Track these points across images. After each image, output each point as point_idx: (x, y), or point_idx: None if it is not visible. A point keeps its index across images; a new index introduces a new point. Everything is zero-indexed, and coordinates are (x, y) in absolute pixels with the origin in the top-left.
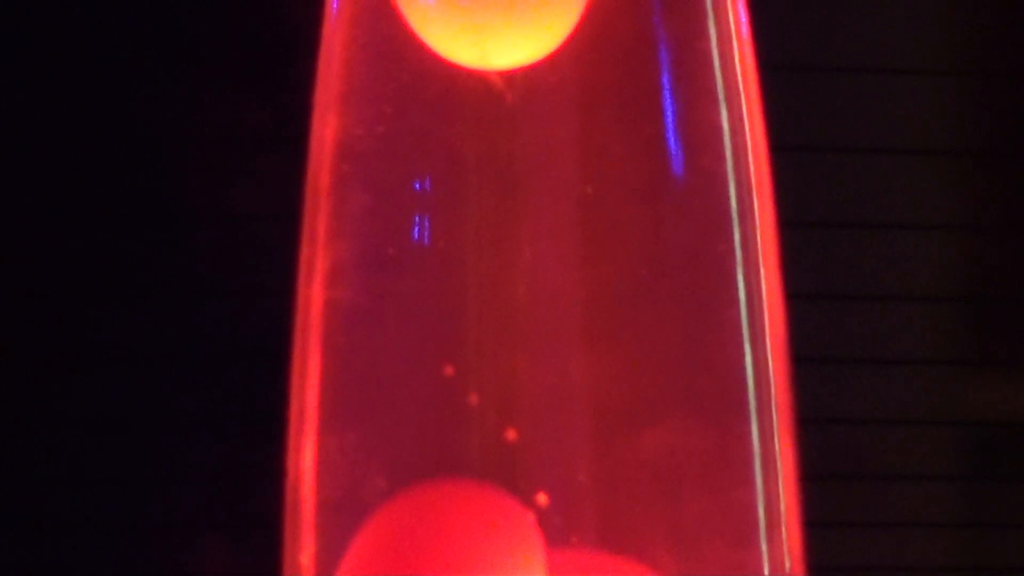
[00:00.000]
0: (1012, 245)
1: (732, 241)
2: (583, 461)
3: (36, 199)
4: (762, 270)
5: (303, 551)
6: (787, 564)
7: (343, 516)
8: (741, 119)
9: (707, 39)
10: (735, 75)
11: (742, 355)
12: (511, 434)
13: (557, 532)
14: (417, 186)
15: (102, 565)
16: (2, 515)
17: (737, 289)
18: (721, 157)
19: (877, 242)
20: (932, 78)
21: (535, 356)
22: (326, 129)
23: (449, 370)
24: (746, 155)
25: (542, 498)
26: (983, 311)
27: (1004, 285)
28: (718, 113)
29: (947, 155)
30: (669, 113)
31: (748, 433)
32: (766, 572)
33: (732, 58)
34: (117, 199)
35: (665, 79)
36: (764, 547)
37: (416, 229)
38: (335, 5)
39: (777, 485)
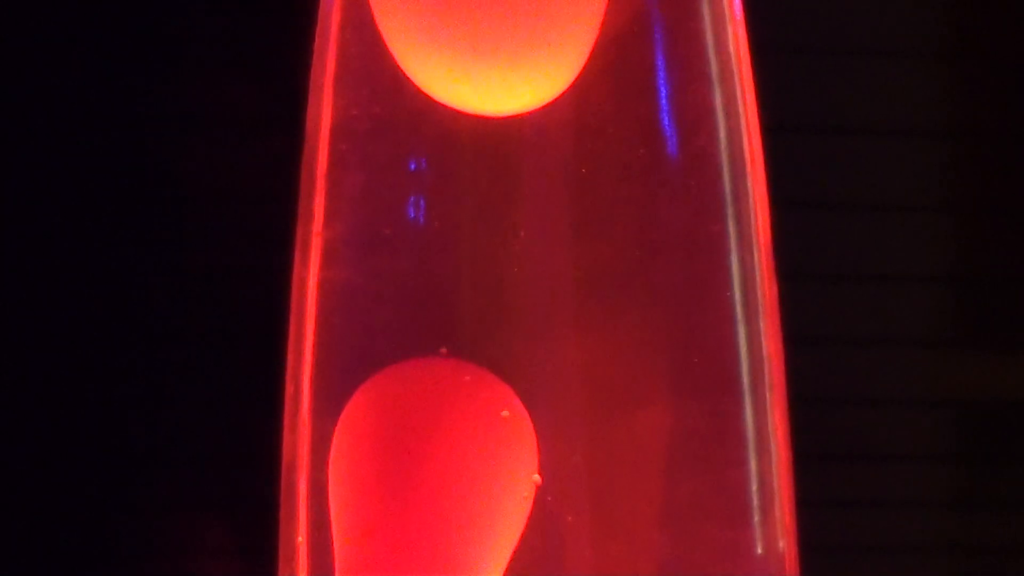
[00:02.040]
0: (1003, 226)
1: (726, 221)
2: (578, 441)
3: (29, 182)
4: (755, 250)
5: (298, 532)
6: (780, 543)
7: None
8: (734, 100)
9: (701, 20)
10: (728, 56)
11: (736, 335)
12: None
13: (551, 511)
14: (413, 166)
15: (98, 547)
16: (2, 498)
17: (731, 269)
18: (715, 138)
19: (870, 222)
20: (925, 60)
21: (529, 336)
22: (322, 109)
23: (444, 350)
24: (739, 136)
25: (536, 478)
26: (974, 292)
27: (995, 266)
28: (712, 94)
29: (940, 136)
30: (663, 94)
31: (742, 413)
32: (759, 551)
33: (725, 39)
34: (111, 181)
35: (659, 60)
36: (757, 526)
37: (411, 209)
38: None
39: (771, 465)
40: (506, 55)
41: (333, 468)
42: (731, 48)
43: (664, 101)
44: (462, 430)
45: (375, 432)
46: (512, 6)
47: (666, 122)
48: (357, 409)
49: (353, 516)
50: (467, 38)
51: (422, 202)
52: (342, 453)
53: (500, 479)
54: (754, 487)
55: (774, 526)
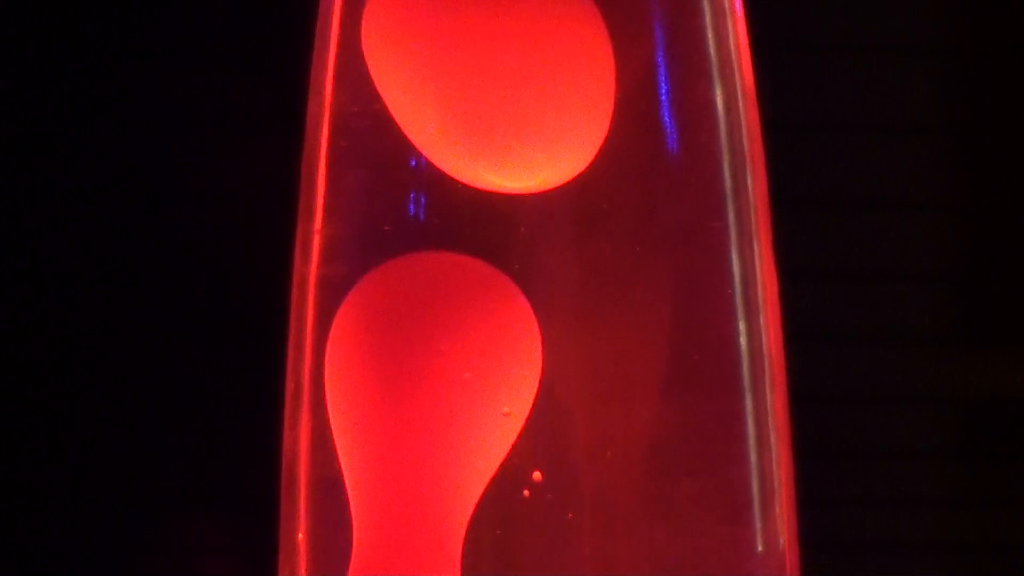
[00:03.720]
0: (1005, 224)
1: (726, 218)
2: (578, 437)
3: (28, 182)
4: (756, 247)
5: (299, 529)
6: (781, 540)
7: (338, 494)
8: (735, 96)
9: (701, 16)
10: (729, 52)
11: (736, 333)
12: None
13: (552, 508)
14: (413, 163)
15: (98, 546)
16: (3, 498)
17: (731, 266)
18: (715, 135)
19: (871, 220)
20: (926, 57)
21: None
22: (322, 106)
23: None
24: (740, 132)
25: (537, 475)
26: (975, 289)
27: (996, 263)
28: (712, 91)
29: (942, 133)
30: (663, 90)
31: (742, 410)
32: (760, 548)
33: (726, 35)
34: (110, 179)
35: (659, 56)
36: (758, 523)
37: (412, 206)
38: None
39: (771, 462)
40: (526, 137)
41: (330, 359)
42: (731, 44)
43: (664, 97)
44: (462, 324)
45: (374, 326)
46: (528, 94)
47: (666, 118)
48: (358, 300)
49: (352, 411)
50: (485, 120)
51: (422, 199)
52: (340, 347)
53: (502, 372)
54: (755, 484)
55: (775, 523)
